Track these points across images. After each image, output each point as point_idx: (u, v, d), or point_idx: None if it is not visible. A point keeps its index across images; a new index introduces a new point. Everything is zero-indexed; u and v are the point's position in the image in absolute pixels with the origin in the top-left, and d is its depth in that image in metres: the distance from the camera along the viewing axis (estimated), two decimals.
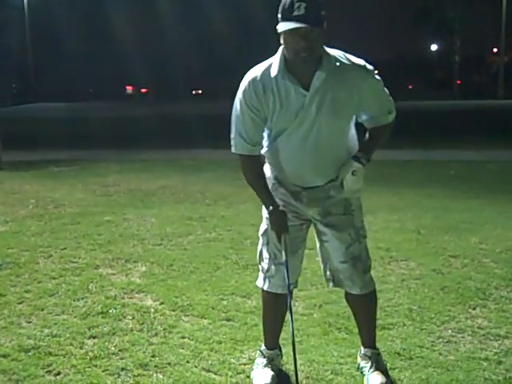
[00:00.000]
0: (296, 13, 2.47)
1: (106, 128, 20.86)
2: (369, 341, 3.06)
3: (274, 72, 2.65)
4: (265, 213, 2.92)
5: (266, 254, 2.95)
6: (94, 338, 3.48)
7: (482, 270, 4.62)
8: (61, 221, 6.45)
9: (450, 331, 3.54)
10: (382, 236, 5.59)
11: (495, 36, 49.48)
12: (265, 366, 3.02)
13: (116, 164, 11.48)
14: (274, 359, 3.07)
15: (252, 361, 3.14)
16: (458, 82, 54.05)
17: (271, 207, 2.78)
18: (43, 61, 55.41)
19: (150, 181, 9.26)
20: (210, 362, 3.18)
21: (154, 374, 3.06)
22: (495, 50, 56.15)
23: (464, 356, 3.22)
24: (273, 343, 3.11)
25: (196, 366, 3.13)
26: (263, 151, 2.83)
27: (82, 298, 4.11)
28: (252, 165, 2.81)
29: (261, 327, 3.21)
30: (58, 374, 3.07)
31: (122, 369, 3.10)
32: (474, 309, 3.87)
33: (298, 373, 2.89)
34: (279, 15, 2.54)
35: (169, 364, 3.16)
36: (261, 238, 2.97)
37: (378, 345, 3.10)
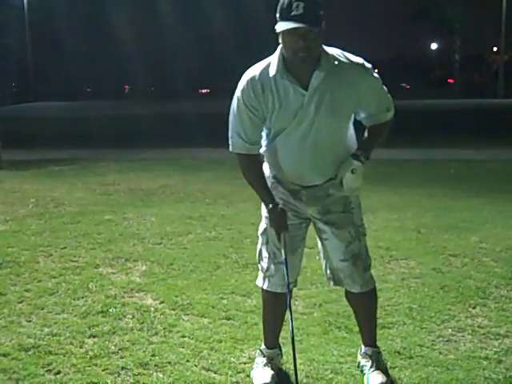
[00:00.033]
0: (294, 12, 2.46)
1: (106, 127, 20.85)
2: (369, 339, 3.06)
3: (272, 71, 2.65)
4: (264, 212, 2.92)
5: (265, 254, 2.95)
6: (94, 337, 3.49)
7: (482, 269, 4.62)
8: (61, 220, 6.45)
9: (450, 330, 3.54)
10: (382, 235, 5.59)
11: (495, 35, 49.47)
12: (265, 365, 3.02)
13: (116, 163, 11.48)
14: (273, 358, 3.07)
15: (252, 360, 3.14)
16: (450, 80, 53.98)
17: (271, 205, 2.77)
18: (43, 60, 55.40)
19: (150, 180, 9.26)
20: (210, 361, 3.18)
21: (154, 373, 3.06)
22: (495, 48, 56.16)
23: (464, 355, 3.22)
24: (273, 342, 3.11)
25: (196, 365, 3.13)
26: (262, 150, 2.83)
27: (82, 297, 4.12)
28: (251, 163, 2.81)
29: (261, 326, 3.21)
30: (58, 372, 3.07)
31: (122, 368, 3.10)
32: (474, 308, 3.87)
33: (298, 372, 2.89)
34: (277, 15, 2.53)
35: (169, 363, 3.16)
36: (260, 237, 2.97)
37: (378, 344, 3.10)
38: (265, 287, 3.00)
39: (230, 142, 2.79)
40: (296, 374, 2.84)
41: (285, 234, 2.81)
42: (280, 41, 2.60)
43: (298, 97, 2.64)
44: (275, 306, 3.02)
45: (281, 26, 2.52)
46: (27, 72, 51.11)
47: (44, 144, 14.77)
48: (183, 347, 3.34)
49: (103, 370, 3.09)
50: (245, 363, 3.16)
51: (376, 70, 2.78)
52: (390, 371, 3.02)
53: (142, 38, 53.81)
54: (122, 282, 4.42)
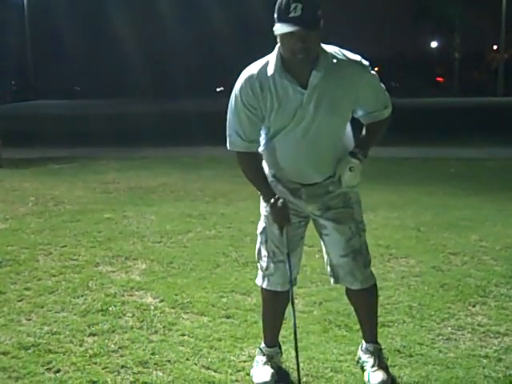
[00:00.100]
0: (292, 14, 2.45)
1: (106, 125, 20.83)
2: (371, 336, 3.06)
3: (270, 70, 2.64)
4: (263, 210, 2.92)
5: (264, 252, 2.94)
6: (94, 335, 3.49)
7: (481, 268, 4.62)
8: (60, 218, 6.45)
9: (449, 328, 3.54)
10: (382, 233, 5.58)
11: (495, 33, 49.43)
12: (264, 363, 3.02)
13: (116, 161, 11.48)
14: (273, 357, 3.07)
15: (252, 358, 3.14)
16: (439, 78, 53.65)
17: (273, 200, 2.76)
18: (43, 58, 55.35)
19: (150, 178, 9.26)
20: (209, 359, 3.18)
21: (154, 372, 3.06)
22: (495, 47, 56.09)
23: (464, 353, 3.22)
24: (272, 341, 3.11)
25: (196, 364, 3.13)
26: (260, 149, 2.83)
27: (82, 296, 4.12)
28: (249, 160, 2.81)
29: (260, 325, 3.21)
30: (58, 371, 3.07)
31: (122, 366, 3.10)
32: (473, 306, 3.87)
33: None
34: (275, 15, 2.52)
35: (168, 361, 3.16)
36: (259, 236, 2.97)
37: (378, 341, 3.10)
38: (264, 286, 3.00)
39: (228, 141, 2.79)
40: (298, 370, 2.83)
41: (287, 228, 2.80)
42: (278, 40, 2.59)
43: (297, 95, 2.64)
44: (275, 305, 3.02)
45: (279, 29, 2.51)
46: (27, 70, 51.06)
47: (44, 142, 14.76)
48: (183, 346, 3.34)
49: (103, 369, 3.09)
50: (244, 362, 3.16)
51: (376, 69, 2.78)
52: (389, 369, 3.02)
53: (144, 37, 53.77)
54: (121, 281, 4.42)
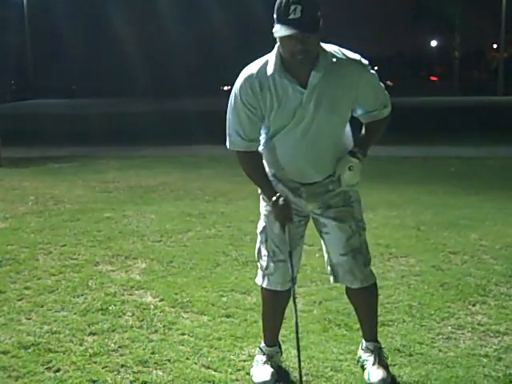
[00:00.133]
0: (292, 16, 2.43)
1: (106, 124, 20.84)
2: (371, 335, 3.06)
3: (270, 70, 2.64)
4: (263, 210, 2.92)
5: (264, 252, 2.94)
6: (94, 334, 3.48)
7: (481, 267, 4.62)
8: (60, 217, 6.45)
9: (449, 328, 3.54)
10: (382, 232, 5.58)
11: (495, 32, 49.44)
12: (264, 362, 3.02)
13: (116, 160, 11.48)
14: (273, 356, 3.07)
15: (252, 357, 3.14)
16: (434, 78, 53.57)
17: (274, 198, 2.76)
18: (42, 57, 55.34)
19: (150, 177, 9.26)
20: (209, 358, 3.18)
21: (154, 371, 3.05)
22: (495, 46, 56.12)
23: (464, 352, 3.22)
24: (272, 340, 3.11)
25: (196, 363, 3.13)
26: (260, 149, 2.83)
27: (82, 295, 4.11)
28: (250, 159, 2.81)
29: (260, 324, 3.21)
30: (58, 370, 3.07)
31: (122, 365, 3.10)
32: (473, 305, 3.87)
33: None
34: (275, 15, 2.50)
35: (168, 361, 3.16)
36: (259, 235, 2.97)
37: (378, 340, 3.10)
38: (264, 285, 3.00)
39: (228, 140, 2.79)
40: (300, 369, 2.81)
41: (289, 226, 2.80)
42: (277, 41, 2.59)
43: (297, 95, 2.64)
44: (275, 304, 3.02)
45: (278, 31, 2.49)
46: (26, 69, 51.06)
47: (43, 141, 14.75)
48: (183, 345, 3.34)
49: (103, 368, 3.08)
50: (244, 361, 3.16)
51: (376, 68, 2.77)
52: (389, 368, 3.02)
53: (144, 37, 53.75)
54: (121, 280, 4.42)
